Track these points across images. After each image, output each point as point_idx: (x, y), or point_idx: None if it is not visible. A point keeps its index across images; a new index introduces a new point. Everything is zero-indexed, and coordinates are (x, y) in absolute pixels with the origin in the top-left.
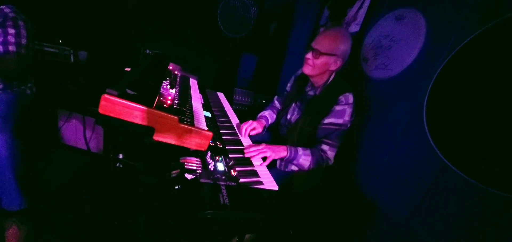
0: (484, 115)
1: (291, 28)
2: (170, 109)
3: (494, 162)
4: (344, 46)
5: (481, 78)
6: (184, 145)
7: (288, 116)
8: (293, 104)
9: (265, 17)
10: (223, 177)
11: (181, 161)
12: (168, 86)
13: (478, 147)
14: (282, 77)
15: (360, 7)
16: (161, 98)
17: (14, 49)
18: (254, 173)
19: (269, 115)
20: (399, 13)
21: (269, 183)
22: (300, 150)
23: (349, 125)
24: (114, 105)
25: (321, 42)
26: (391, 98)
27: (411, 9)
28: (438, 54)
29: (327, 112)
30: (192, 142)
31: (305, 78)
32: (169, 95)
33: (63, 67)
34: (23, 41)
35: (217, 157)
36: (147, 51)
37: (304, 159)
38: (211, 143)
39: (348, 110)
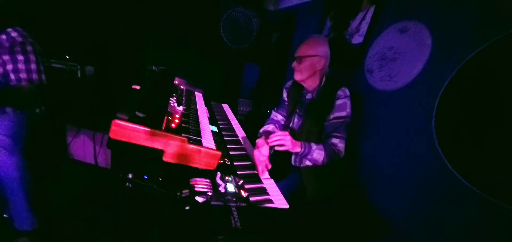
0: (496, 127)
1: (293, 38)
2: (178, 129)
3: (507, 177)
4: (322, 47)
5: (491, 90)
6: (193, 165)
7: (291, 125)
8: (295, 114)
9: (267, 27)
10: (234, 199)
11: (191, 183)
12: (175, 103)
13: (489, 160)
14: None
15: (363, 19)
16: (169, 117)
17: (26, 76)
18: (263, 191)
19: (273, 130)
20: (403, 26)
21: (279, 200)
22: (313, 145)
23: (350, 117)
24: (124, 130)
25: (302, 50)
26: (397, 110)
27: (415, 21)
28: (445, 66)
29: (330, 108)
30: (201, 162)
31: (298, 87)
32: (177, 112)
33: (71, 82)
34: (33, 66)
35: (226, 177)
36: (153, 67)
37: (318, 153)
38: (219, 160)
39: (348, 102)
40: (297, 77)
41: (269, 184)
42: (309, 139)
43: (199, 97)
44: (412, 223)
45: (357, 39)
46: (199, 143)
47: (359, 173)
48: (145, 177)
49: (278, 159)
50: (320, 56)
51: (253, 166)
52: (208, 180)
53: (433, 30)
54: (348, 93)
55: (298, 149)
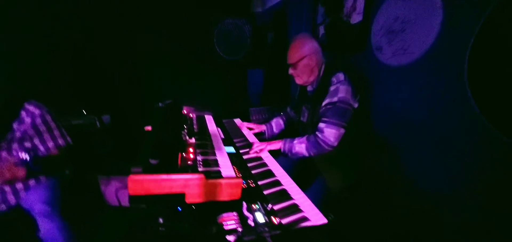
0: None
1: (288, 33)
2: (194, 165)
3: None
4: (307, 46)
5: None
6: (218, 199)
7: (301, 119)
8: (303, 107)
9: (260, 30)
10: (266, 228)
11: (219, 221)
12: (187, 136)
13: None
14: (291, 83)
15: None
16: (184, 153)
17: (53, 144)
18: (296, 209)
19: (275, 123)
20: None
21: (314, 216)
22: (296, 140)
23: (351, 103)
24: (141, 184)
25: (290, 56)
26: (421, 82)
27: None
28: (466, 20)
29: (325, 96)
30: (225, 195)
31: None
32: (190, 145)
33: (92, 135)
34: (57, 132)
35: (253, 206)
36: (160, 104)
37: (299, 146)
38: (243, 184)
39: (341, 87)
40: (299, 81)
41: (300, 197)
42: (314, 130)
43: (209, 120)
44: (459, 198)
45: (356, 18)
46: (218, 174)
47: (390, 158)
48: (179, 209)
49: (301, 164)
50: (309, 54)
51: (279, 182)
52: (235, 214)
53: None
54: (341, 78)
55: (278, 146)
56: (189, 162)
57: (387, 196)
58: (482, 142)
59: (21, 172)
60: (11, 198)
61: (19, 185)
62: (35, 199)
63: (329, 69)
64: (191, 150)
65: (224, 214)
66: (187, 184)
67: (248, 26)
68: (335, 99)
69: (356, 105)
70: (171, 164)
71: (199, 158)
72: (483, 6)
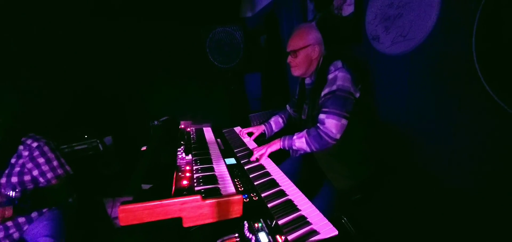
0: None
1: (280, 33)
2: (191, 185)
3: None
4: (313, 34)
5: None
6: (217, 220)
7: (302, 117)
8: (304, 105)
9: (252, 34)
10: None
11: None
12: (183, 153)
13: None
14: (290, 83)
15: None
16: (179, 173)
17: (53, 175)
18: (303, 220)
19: (274, 121)
20: None
21: (323, 227)
22: (295, 135)
23: (352, 91)
24: (133, 213)
25: (292, 43)
26: (428, 67)
27: None
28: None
29: (324, 86)
30: (225, 214)
31: (303, 79)
32: (186, 164)
33: (97, 157)
34: (55, 163)
35: (256, 225)
36: (155, 122)
37: (299, 141)
38: (245, 198)
39: (339, 74)
40: (296, 73)
41: (307, 207)
42: (314, 124)
43: (208, 132)
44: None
45: (348, 10)
46: (216, 192)
47: (406, 149)
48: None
49: (306, 167)
50: (313, 44)
51: (283, 192)
52: (236, 235)
53: None
54: (339, 65)
55: (277, 146)
56: (184, 182)
57: (399, 193)
58: (498, 128)
59: (7, 211)
60: (14, 232)
61: (21, 219)
62: (38, 232)
63: (327, 59)
64: (187, 168)
65: (225, 237)
66: (183, 208)
67: (239, 32)
68: (334, 87)
69: (357, 95)
70: (165, 186)
71: (196, 175)
72: None
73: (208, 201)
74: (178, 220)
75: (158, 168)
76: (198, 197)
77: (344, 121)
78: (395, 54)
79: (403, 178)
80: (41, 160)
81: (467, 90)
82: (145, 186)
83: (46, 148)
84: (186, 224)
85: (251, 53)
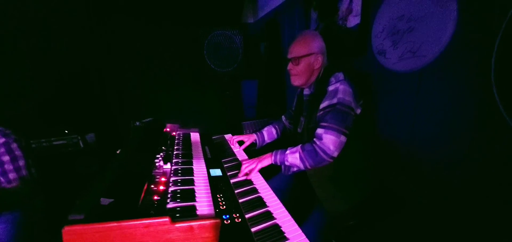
0: None
1: (282, 42)
2: (162, 201)
3: None
4: (317, 42)
5: None
6: None
7: (298, 130)
8: (301, 118)
9: (251, 40)
10: None
11: None
12: (162, 161)
13: None
14: (287, 93)
15: None
16: (152, 185)
17: (16, 175)
18: None
19: (266, 131)
20: None
21: None
22: (288, 149)
23: (353, 106)
24: (81, 236)
25: (295, 50)
26: (437, 89)
27: None
28: (489, 15)
29: (323, 98)
30: (197, 240)
31: (302, 90)
32: (163, 174)
33: (75, 155)
34: (22, 163)
35: None
36: (137, 123)
37: (292, 156)
38: (226, 220)
39: (341, 87)
40: (296, 82)
41: (295, 236)
42: (309, 138)
43: (195, 138)
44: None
45: (354, 21)
46: (190, 212)
47: (409, 173)
48: None
49: (298, 188)
50: (316, 53)
51: (270, 214)
52: None
53: None
54: (341, 77)
55: (268, 161)
56: (155, 197)
57: (399, 221)
58: None
59: None
60: None
61: None
62: None
63: (328, 70)
64: (162, 179)
65: None
66: (145, 232)
67: (239, 37)
68: (335, 100)
69: (358, 111)
70: (131, 202)
71: (172, 189)
72: None
73: (178, 225)
74: None
75: (128, 178)
76: (167, 219)
77: (343, 138)
78: (402, 71)
79: (405, 205)
80: (5, 158)
81: (482, 118)
82: (105, 202)
83: (14, 146)
84: None
85: (249, 59)
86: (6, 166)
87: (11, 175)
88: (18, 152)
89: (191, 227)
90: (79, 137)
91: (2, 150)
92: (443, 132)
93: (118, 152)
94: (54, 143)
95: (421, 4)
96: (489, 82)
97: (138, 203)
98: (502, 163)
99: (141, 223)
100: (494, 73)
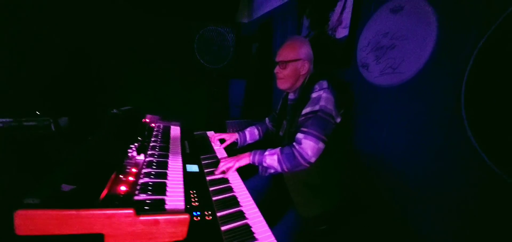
0: None
1: (273, 46)
2: (129, 193)
3: None
4: (304, 49)
5: None
6: None
7: (280, 133)
8: (284, 121)
9: (244, 40)
10: None
11: None
12: (135, 152)
13: None
14: (274, 96)
15: (344, 8)
16: (120, 175)
17: None
18: None
19: (249, 132)
20: (395, 4)
21: None
22: (267, 151)
23: (334, 115)
24: (35, 221)
25: (283, 54)
26: (412, 105)
27: None
28: (463, 41)
29: (306, 104)
30: (164, 235)
31: (287, 94)
32: (135, 165)
33: (45, 139)
34: None
35: None
36: (114, 110)
37: (270, 158)
38: (197, 217)
39: (324, 95)
40: (282, 86)
41: (265, 237)
42: (290, 142)
43: (175, 131)
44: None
45: (342, 32)
46: (158, 206)
47: (379, 182)
48: None
49: (274, 190)
50: (303, 59)
51: (242, 214)
52: None
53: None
54: (324, 85)
55: (246, 161)
56: (123, 188)
57: (367, 230)
58: (480, 180)
59: None
60: None
61: None
62: None
63: (313, 77)
64: (133, 170)
65: None
66: (106, 223)
67: (231, 35)
68: (317, 107)
69: (338, 120)
70: (94, 191)
71: (142, 181)
72: (486, 23)
73: (143, 218)
74: (98, 237)
75: (95, 166)
76: (131, 211)
77: (321, 145)
78: (381, 85)
79: (373, 215)
80: None
81: (450, 137)
82: (66, 188)
83: None
84: None
85: (240, 59)
86: None
87: None
88: None
89: (157, 221)
90: (51, 120)
91: None
92: (412, 148)
93: (89, 138)
94: (24, 123)
95: (404, 24)
96: (459, 106)
97: (102, 193)
98: (466, 182)
99: (103, 213)
100: (464, 98)
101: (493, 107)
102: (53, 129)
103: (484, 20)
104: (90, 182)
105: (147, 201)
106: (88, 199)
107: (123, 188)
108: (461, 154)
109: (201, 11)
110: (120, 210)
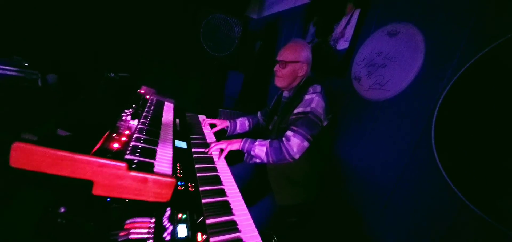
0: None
1: (276, 46)
2: (121, 150)
3: None
4: (305, 53)
5: (502, 97)
6: (138, 198)
7: (269, 127)
8: (275, 117)
9: (249, 35)
10: None
11: (125, 226)
12: (129, 116)
13: (505, 184)
14: (269, 95)
15: (348, 23)
16: (114, 134)
17: None
18: (232, 226)
19: (240, 121)
20: (392, 29)
21: (251, 239)
22: (257, 141)
23: (322, 118)
24: (30, 157)
25: (284, 54)
26: (391, 122)
27: (405, 23)
28: (443, 72)
29: (298, 104)
30: (149, 193)
31: (282, 92)
32: (128, 128)
33: (30, 92)
34: None
35: (179, 215)
36: (111, 74)
37: (259, 148)
38: (180, 186)
39: (316, 98)
40: (279, 83)
41: (242, 214)
42: (278, 136)
43: (168, 107)
44: None
45: (343, 45)
46: (148, 167)
47: (348, 188)
48: (108, 200)
49: (255, 180)
50: (302, 62)
51: (223, 191)
52: (152, 220)
53: (425, 32)
54: (318, 89)
55: (237, 146)
56: (115, 145)
57: (336, 227)
58: (445, 200)
59: None
60: None
61: None
62: None
63: (309, 80)
64: (126, 132)
65: (138, 219)
66: (99, 171)
67: (238, 27)
68: (308, 109)
69: (325, 123)
70: (87, 141)
71: (133, 144)
72: (462, 60)
73: (133, 173)
74: (87, 183)
75: (90, 121)
76: (123, 164)
77: (306, 144)
78: (369, 99)
79: (337, 217)
80: None
81: (417, 153)
82: (62, 133)
83: None
84: (97, 191)
85: (242, 52)
86: None
87: None
88: None
89: (146, 178)
90: (39, 75)
91: None
92: (384, 160)
93: (83, 96)
94: (10, 73)
95: (397, 47)
96: (430, 127)
97: (96, 146)
98: (428, 197)
99: (96, 160)
100: (435, 120)
101: (456, 134)
102: (40, 84)
103: (462, 58)
104: (85, 134)
105: (136, 161)
106: (82, 147)
107: (115, 145)
108: (425, 169)
109: None
110: (114, 161)
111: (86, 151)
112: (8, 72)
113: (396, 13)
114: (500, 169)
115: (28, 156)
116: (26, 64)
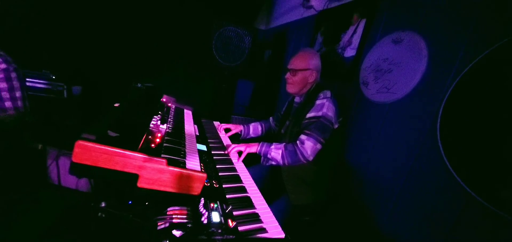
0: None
1: (285, 55)
2: (158, 149)
3: None
4: (314, 61)
5: (501, 96)
6: (175, 190)
7: (281, 131)
8: (287, 121)
9: (259, 45)
10: (219, 231)
11: (167, 213)
12: (159, 122)
13: (506, 175)
14: (278, 101)
15: (354, 32)
16: (150, 136)
17: (11, 105)
18: (256, 218)
19: (253, 126)
20: (397, 36)
21: (273, 228)
22: (273, 144)
23: (333, 122)
24: (90, 152)
25: (295, 62)
26: (398, 122)
27: (408, 31)
28: (446, 74)
29: (310, 108)
30: (184, 186)
31: (293, 97)
32: (160, 132)
33: (56, 102)
34: (18, 94)
35: (211, 204)
36: (138, 85)
37: (275, 151)
38: (206, 183)
39: (327, 103)
40: (290, 90)
41: (263, 208)
42: (291, 140)
43: (188, 114)
44: None
45: (350, 53)
46: (182, 164)
47: (358, 187)
48: (130, 202)
49: (271, 178)
50: (312, 69)
51: (244, 188)
52: (188, 209)
53: (428, 39)
54: (328, 95)
55: (254, 149)
56: (152, 145)
57: (347, 225)
58: (451, 195)
59: None
60: None
61: None
62: None
63: (319, 86)
64: (159, 135)
65: (176, 207)
66: (144, 166)
67: (249, 38)
68: (320, 113)
69: (336, 126)
70: (132, 141)
71: (166, 145)
72: (463, 63)
73: (171, 168)
74: (133, 177)
75: (129, 125)
76: (163, 160)
77: (319, 146)
78: (376, 102)
79: (348, 216)
80: (3, 85)
81: (424, 151)
82: (112, 134)
83: (13, 74)
84: (142, 184)
85: (252, 62)
86: (3, 94)
87: (7, 104)
88: (16, 83)
89: (181, 173)
90: (65, 86)
91: (1, 76)
92: (392, 157)
93: (116, 105)
94: (38, 85)
95: (402, 53)
96: (435, 127)
97: (139, 145)
98: (435, 193)
99: (142, 156)
100: (440, 121)
101: (461, 131)
102: (66, 95)
103: (463, 61)
104: (128, 135)
105: (171, 159)
106: (129, 146)
107: (152, 145)
108: (434, 168)
109: (224, 9)
110: (156, 158)
111: (133, 149)
112: (38, 85)
113: (399, 22)
114: (501, 162)
115: (88, 152)
116: (53, 77)
